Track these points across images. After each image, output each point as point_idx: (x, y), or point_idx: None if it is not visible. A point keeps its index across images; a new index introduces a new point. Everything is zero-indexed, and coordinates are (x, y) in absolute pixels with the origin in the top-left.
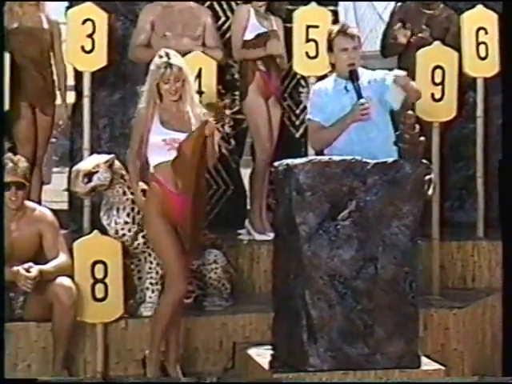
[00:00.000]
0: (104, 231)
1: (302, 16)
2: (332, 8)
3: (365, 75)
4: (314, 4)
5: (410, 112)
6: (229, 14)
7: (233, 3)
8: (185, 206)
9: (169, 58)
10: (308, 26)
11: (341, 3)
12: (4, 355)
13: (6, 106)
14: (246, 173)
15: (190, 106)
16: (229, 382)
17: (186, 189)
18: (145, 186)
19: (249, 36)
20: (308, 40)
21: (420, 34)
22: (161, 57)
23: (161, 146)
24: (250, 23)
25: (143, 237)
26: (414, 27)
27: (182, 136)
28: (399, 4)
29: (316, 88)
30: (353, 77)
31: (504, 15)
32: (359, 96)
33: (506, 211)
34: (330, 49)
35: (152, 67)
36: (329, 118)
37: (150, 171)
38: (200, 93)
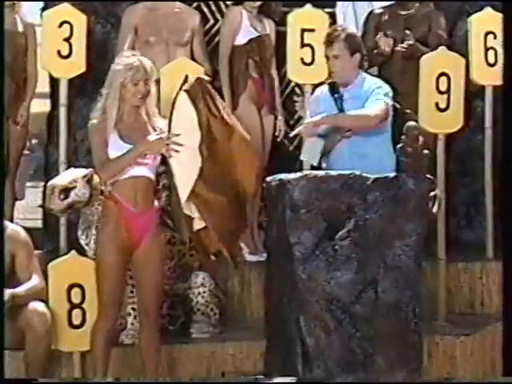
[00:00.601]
0: (82, 252)
1: (296, 19)
2: (329, 10)
3: (367, 82)
4: (309, 6)
5: (412, 123)
6: (218, 16)
7: (222, 4)
8: (148, 225)
9: (139, 60)
10: (303, 30)
11: (339, 4)
12: (4, 355)
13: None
14: None
15: (148, 116)
16: (230, 382)
17: (147, 206)
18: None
19: (241, 40)
20: (303, 45)
21: (406, 43)
22: (128, 57)
23: None
24: (243, 26)
25: None
26: (395, 33)
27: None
28: (375, 10)
29: (314, 95)
30: (332, 89)
31: (504, 15)
32: (339, 110)
33: (505, 215)
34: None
35: (118, 67)
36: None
37: (106, 188)
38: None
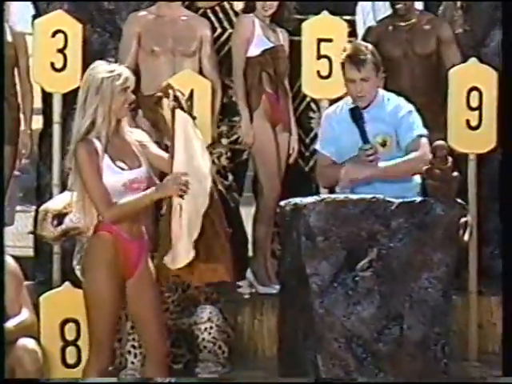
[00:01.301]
0: (77, 283)
1: (312, 28)
2: (348, 17)
3: (389, 103)
4: (326, 13)
5: (440, 142)
6: (226, 24)
7: (230, 12)
8: (142, 251)
9: (118, 65)
10: (319, 40)
11: (358, 11)
12: (4, 356)
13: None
14: (246, 213)
15: (127, 132)
16: (231, 382)
17: (141, 231)
18: None
19: (254, 52)
20: (320, 56)
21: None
22: (109, 63)
23: (121, 190)
24: (256, 36)
25: None
26: (395, 47)
27: (139, 174)
28: (371, 25)
29: (328, 113)
30: (355, 115)
31: (504, 15)
32: (363, 139)
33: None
34: (342, 70)
35: (102, 75)
36: (341, 152)
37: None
38: (192, 118)
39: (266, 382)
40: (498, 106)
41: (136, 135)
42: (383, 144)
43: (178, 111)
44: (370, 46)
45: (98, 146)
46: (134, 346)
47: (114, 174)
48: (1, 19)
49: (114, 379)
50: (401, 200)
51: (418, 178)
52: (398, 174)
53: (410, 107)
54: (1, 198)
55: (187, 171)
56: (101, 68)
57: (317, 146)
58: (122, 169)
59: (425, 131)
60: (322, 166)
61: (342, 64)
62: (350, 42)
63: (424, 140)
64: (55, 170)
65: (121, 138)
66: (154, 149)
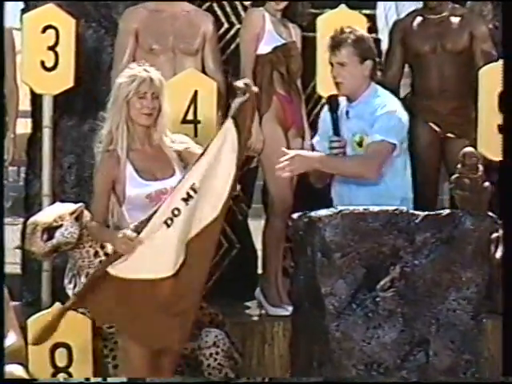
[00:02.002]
0: None
1: (328, 22)
2: (368, 12)
3: (377, 100)
4: (343, 7)
5: (469, 149)
6: (233, 19)
7: (238, 5)
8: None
9: (146, 70)
10: None
11: (380, 5)
12: (3, 356)
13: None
14: (255, 226)
15: (161, 139)
16: (233, 382)
17: None
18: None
19: (264, 49)
20: None
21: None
22: (133, 68)
23: (145, 203)
24: (266, 32)
25: None
26: (424, 42)
27: (169, 185)
28: (399, 18)
29: (324, 109)
30: (331, 104)
31: (504, 15)
32: (334, 131)
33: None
34: None
35: (120, 80)
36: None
37: None
38: (195, 122)
39: (267, 382)
40: None
41: (178, 141)
42: (360, 144)
43: (230, 121)
44: (358, 31)
45: (121, 156)
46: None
47: (137, 186)
48: (1, 19)
49: (114, 379)
50: (426, 212)
51: (407, 192)
52: (341, 170)
53: (394, 109)
54: (1, 197)
55: (199, 187)
56: (126, 72)
57: (312, 141)
58: (148, 180)
59: (394, 141)
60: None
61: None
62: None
63: (386, 148)
64: (45, 178)
65: (153, 147)
66: (197, 150)
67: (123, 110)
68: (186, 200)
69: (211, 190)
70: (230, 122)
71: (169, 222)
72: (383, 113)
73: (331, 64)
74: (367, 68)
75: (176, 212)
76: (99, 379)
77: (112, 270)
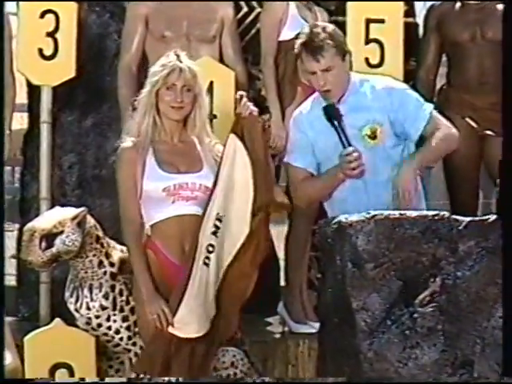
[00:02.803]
0: (70, 320)
1: (359, 6)
2: None
3: (367, 90)
4: None
5: None
6: (253, 3)
7: None
8: None
9: (179, 59)
10: (368, 21)
11: None
12: (3, 356)
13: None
14: (277, 233)
15: (198, 135)
16: (234, 382)
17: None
18: None
19: (288, 35)
20: (368, 41)
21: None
22: (168, 56)
23: (161, 197)
24: (290, 17)
25: (128, 328)
26: (462, 29)
27: (192, 179)
28: (435, 2)
29: (295, 118)
30: (330, 114)
31: (504, 15)
32: (343, 142)
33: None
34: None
35: (153, 69)
36: (319, 160)
37: (144, 233)
38: (211, 117)
39: (267, 382)
40: None
41: (217, 147)
42: (372, 136)
43: (233, 137)
44: (328, 27)
45: (142, 150)
46: None
47: (155, 179)
48: (1, 19)
49: (115, 379)
50: (470, 218)
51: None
52: (432, 160)
53: (403, 84)
54: (1, 198)
55: (223, 215)
56: (161, 59)
57: (286, 159)
58: (170, 172)
59: (431, 104)
60: (296, 181)
61: (297, 55)
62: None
63: (438, 115)
64: (43, 180)
65: (183, 139)
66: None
67: (152, 101)
68: (215, 233)
69: (235, 213)
70: (232, 138)
71: (207, 261)
72: (401, 92)
73: (311, 73)
74: (347, 63)
75: (210, 248)
76: (98, 379)
77: (179, 332)
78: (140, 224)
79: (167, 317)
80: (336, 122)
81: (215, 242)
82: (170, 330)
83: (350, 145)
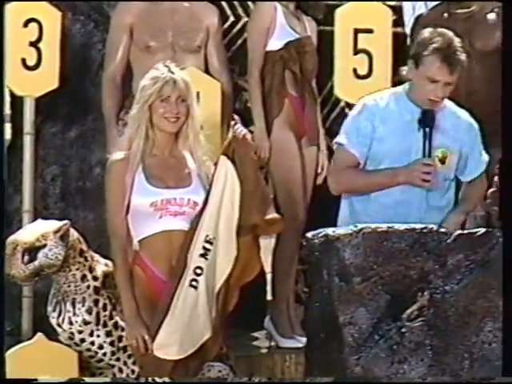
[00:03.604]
0: (52, 335)
1: (347, 16)
2: (393, 3)
3: (453, 116)
4: None
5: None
6: (240, 11)
7: None
8: None
9: (170, 71)
10: (357, 31)
11: None
12: (4, 355)
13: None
14: (264, 245)
15: (191, 148)
16: (234, 383)
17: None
18: None
19: (275, 45)
20: (357, 51)
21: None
22: (157, 69)
23: (149, 212)
24: (278, 26)
25: (112, 344)
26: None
27: (180, 195)
28: (423, 12)
29: (368, 105)
30: (426, 121)
31: (504, 15)
32: (425, 152)
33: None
34: (416, 61)
35: (143, 82)
36: (373, 156)
37: (132, 248)
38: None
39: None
40: None
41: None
42: (442, 160)
43: (224, 159)
44: (462, 43)
45: (132, 162)
46: None
47: (143, 193)
48: (1, 19)
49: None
50: (459, 231)
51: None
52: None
53: (476, 125)
54: (1, 198)
55: (215, 238)
56: (149, 73)
57: (342, 140)
58: (158, 187)
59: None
60: (343, 166)
61: (418, 56)
62: (440, 32)
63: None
64: (26, 192)
65: (173, 154)
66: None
67: (145, 115)
68: (204, 255)
69: (222, 235)
70: (223, 160)
71: (194, 283)
72: (477, 132)
73: (433, 80)
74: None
75: (199, 271)
76: (99, 379)
77: (160, 354)
78: (126, 239)
79: (146, 342)
80: (428, 129)
81: (204, 265)
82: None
83: (430, 156)
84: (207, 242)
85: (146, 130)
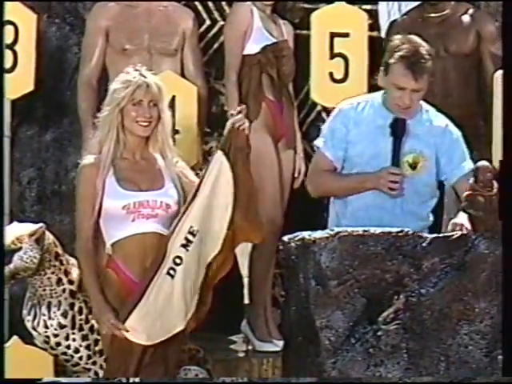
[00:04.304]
0: (28, 338)
1: (323, 19)
2: (368, 7)
3: (428, 122)
4: (341, 2)
5: (484, 163)
6: (216, 15)
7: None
8: None
9: (142, 75)
10: (333, 35)
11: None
12: (4, 355)
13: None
14: (241, 249)
15: (161, 151)
16: (233, 382)
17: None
18: None
19: (252, 48)
20: (333, 55)
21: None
22: (128, 73)
23: (121, 215)
24: (255, 30)
25: (88, 347)
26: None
27: (152, 197)
28: (396, 18)
29: (344, 109)
30: (396, 129)
31: (504, 15)
32: (394, 159)
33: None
34: (385, 69)
35: (114, 86)
36: (349, 159)
37: (105, 252)
38: (173, 132)
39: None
40: None
41: (179, 165)
42: (413, 166)
43: (220, 155)
44: (430, 50)
45: (104, 166)
46: None
47: (115, 197)
48: (1, 19)
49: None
50: (434, 235)
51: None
52: None
53: (458, 130)
54: (0, 199)
55: (199, 230)
56: (120, 76)
57: (319, 143)
58: (130, 190)
59: (472, 166)
60: (319, 169)
61: (386, 64)
62: (408, 39)
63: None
64: (4, 195)
65: (144, 157)
66: (191, 175)
67: (116, 119)
68: (185, 246)
69: (210, 230)
70: (219, 155)
71: (172, 272)
72: (456, 137)
73: (400, 87)
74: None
75: (178, 261)
76: (100, 379)
77: (130, 336)
78: (92, 243)
79: (117, 326)
80: (398, 137)
81: (184, 255)
82: (124, 334)
83: (398, 165)
84: (190, 233)
85: (117, 134)
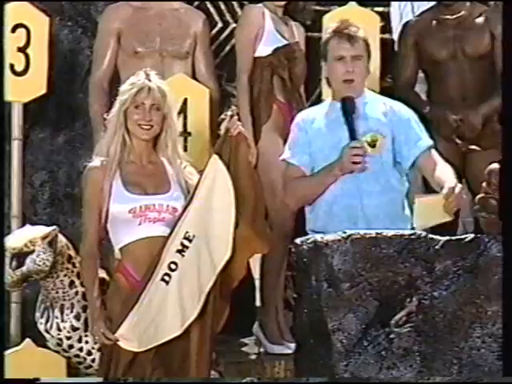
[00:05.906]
0: (40, 341)
1: (335, 21)
2: (380, 9)
3: (378, 103)
4: (353, 4)
5: (496, 165)
6: (228, 17)
7: (234, 2)
8: None
9: (148, 78)
10: None
11: (394, 2)
12: (4, 355)
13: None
14: None
15: (168, 156)
16: (230, 383)
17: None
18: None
19: (264, 50)
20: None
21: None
22: (137, 75)
23: (128, 219)
24: (266, 32)
25: (100, 350)
26: (441, 47)
27: (159, 201)
28: (410, 20)
29: (299, 118)
30: (346, 106)
31: (504, 15)
32: (352, 135)
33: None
34: (324, 57)
35: (123, 87)
36: (314, 160)
37: (114, 256)
38: (185, 135)
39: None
40: None
41: (187, 170)
42: (372, 144)
43: (216, 159)
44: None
45: (110, 170)
46: None
47: (121, 201)
48: (1, 19)
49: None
50: (447, 237)
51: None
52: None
53: (413, 112)
54: (0, 200)
55: (196, 236)
56: (130, 78)
57: (285, 155)
58: (136, 193)
59: (432, 142)
60: (289, 178)
61: (325, 43)
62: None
63: (436, 155)
64: (14, 197)
65: (151, 162)
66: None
67: (120, 121)
68: (181, 252)
69: (212, 234)
70: (214, 159)
71: (166, 278)
72: (410, 116)
73: (339, 57)
74: (369, 70)
75: (173, 266)
76: (100, 379)
77: (122, 344)
78: (97, 248)
79: (107, 336)
80: (351, 115)
81: (179, 261)
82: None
83: (357, 139)
84: (186, 238)
85: (123, 136)
